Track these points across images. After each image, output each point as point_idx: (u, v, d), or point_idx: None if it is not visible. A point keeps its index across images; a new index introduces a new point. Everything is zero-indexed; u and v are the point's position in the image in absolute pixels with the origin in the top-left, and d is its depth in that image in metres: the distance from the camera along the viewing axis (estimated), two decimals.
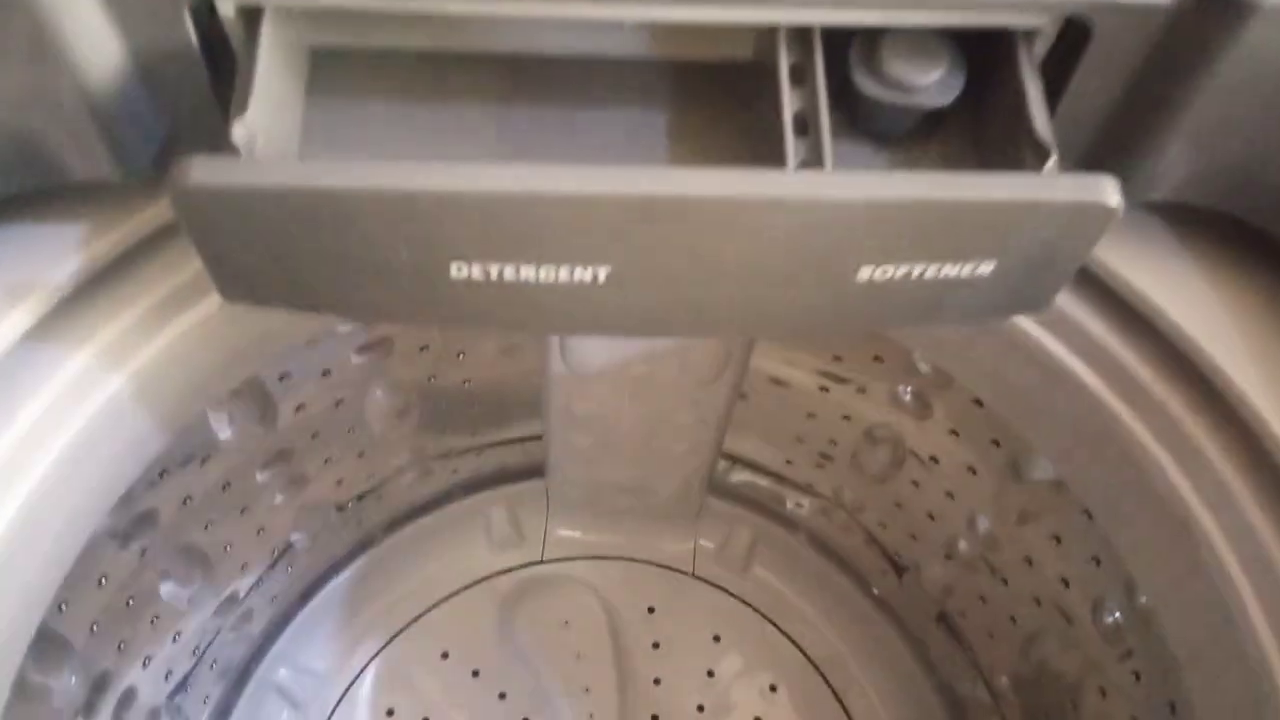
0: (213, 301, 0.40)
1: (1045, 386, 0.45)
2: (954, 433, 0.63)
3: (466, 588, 0.91)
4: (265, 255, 0.29)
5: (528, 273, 0.30)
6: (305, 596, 0.84)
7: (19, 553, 0.37)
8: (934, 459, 0.67)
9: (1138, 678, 0.56)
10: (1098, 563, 0.57)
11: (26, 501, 0.36)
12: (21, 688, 0.50)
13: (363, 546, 0.86)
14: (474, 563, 0.91)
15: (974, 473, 0.64)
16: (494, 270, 0.30)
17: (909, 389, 0.64)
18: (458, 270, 0.30)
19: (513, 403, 0.81)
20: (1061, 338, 0.42)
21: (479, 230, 0.28)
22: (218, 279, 0.30)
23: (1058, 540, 0.60)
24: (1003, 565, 0.67)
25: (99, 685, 0.58)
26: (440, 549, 0.90)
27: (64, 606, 0.52)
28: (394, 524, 0.88)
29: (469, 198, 0.27)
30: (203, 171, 0.26)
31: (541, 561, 0.93)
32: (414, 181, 0.27)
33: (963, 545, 0.70)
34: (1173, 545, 0.44)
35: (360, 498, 0.80)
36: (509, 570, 0.92)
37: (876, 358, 0.63)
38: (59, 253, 0.34)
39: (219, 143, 0.28)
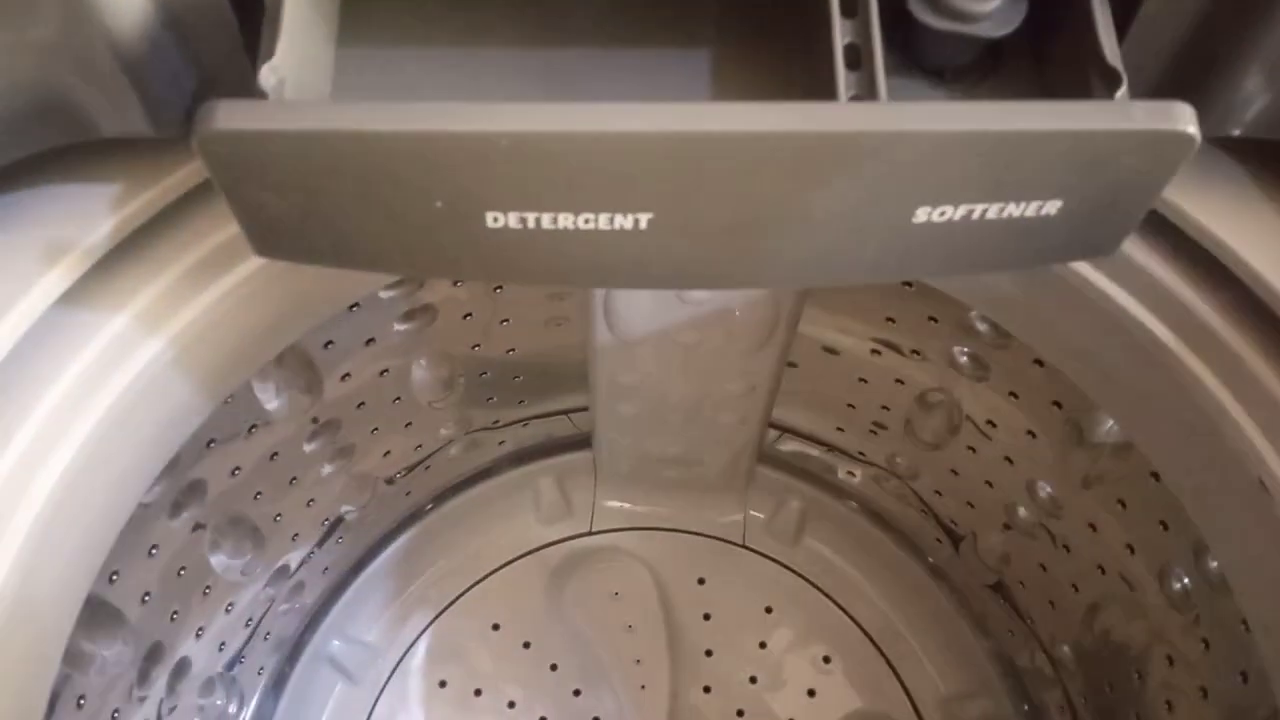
0: (252, 264, 0.40)
1: (1111, 340, 0.43)
2: (1013, 395, 0.61)
3: (516, 559, 0.90)
4: (296, 206, 0.28)
5: (566, 220, 0.29)
6: (356, 568, 0.84)
7: (64, 518, 0.37)
8: (991, 423, 0.65)
9: (1207, 646, 0.54)
10: (1165, 527, 0.54)
11: (69, 468, 0.36)
12: (75, 658, 0.51)
13: (412, 518, 0.87)
14: (523, 534, 0.91)
15: (1034, 436, 0.62)
16: (531, 218, 0.28)
17: (965, 350, 0.62)
18: (494, 220, 0.29)
19: (559, 373, 0.81)
20: (1128, 286, 0.40)
21: (515, 174, 0.27)
22: (249, 232, 0.30)
23: (1123, 505, 0.58)
24: (1064, 532, 0.65)
25: (152, 655, 0.58)
26: (489, 521, 0.90)
27: (115, 577, 0.52)
28: (443, 496, 0.88)
29: (504, 138, 0.26)
30: (227, 115, 0.25)
31: (590, 533, 0.92)
32: (447, 123, 0.26)
33: (1022, 512, 0.68)
34: (1247, 506, 0.41)
35: (409, 469, 0.80)
36: (558, 542, 0.91)
37: (931, 318, 0.61)
38: (93, 213, 0.34)
39: (249, 93, 0.27)
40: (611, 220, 0.29)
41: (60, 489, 0.36)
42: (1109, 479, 0.59)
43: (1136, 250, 0.39)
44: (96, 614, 0.52)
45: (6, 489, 0.35)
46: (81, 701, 0.51)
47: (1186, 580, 0.54)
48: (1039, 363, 0.57)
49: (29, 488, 0.35)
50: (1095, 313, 0.42)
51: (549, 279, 0.31)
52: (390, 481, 0.79)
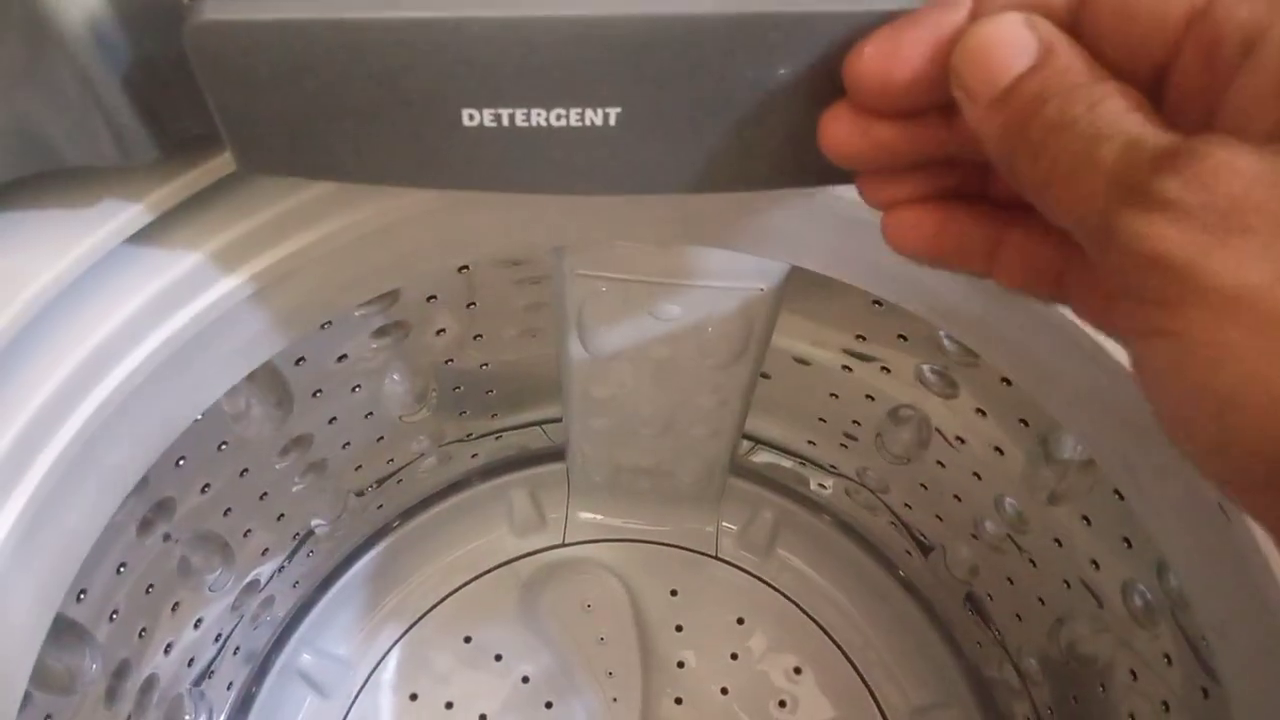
0: (231, 283, 0.40)
1: (1075, 363, 0.44)
2: (981, 412, 0.62)
3: (488, 572, 0.90)
4: (278, 109, 0.29)
5: (539, 117, 0.30)
6: (327, 582, 0.84)
7: (52, 514, 0.37)
8: (960, 439, 0.66)
9: (1169, 660, 0.54)
10: (1129, 544, 0.55)
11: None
12: (42, 677, 0.50)
13: (384, 532, 0.86)
14: (496, 547, 0.91)
15: (1001, 453, 0.63)
16: (505, 115, 0.30)
17: (934, 368, 0.63)
18: (469, 118, 0.30)
19: (533, 386, 0.81)
20: None
21: (488, 66, 0.28)
22: (234, 143, 0.31)
23: (1087, 521, 0.59)
24: (1031, 546, 0.66)
25: (120, 673, 0.58)
26: (462, 533, 0.90)
27: (82, 595, 0.52)
28: (415, 509, 0.87)
29: (478, 24, 0.28)
30: (216, 7, 0.27)
31: (564, 545, 0.92)
32: (423, 9, 0.27)
33: (990, 526, 0.69)
34: (1206, 524, 0.42)
35: (380, 483, 0.79)
36: (531, 554, 0.91)
37: (900, 335, 0.62)
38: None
39: None
40: (583, 115, 0.30)
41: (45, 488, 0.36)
42: (1074, 495, 0.60)
43: None
44: (64, 633, 0.51)
45: None
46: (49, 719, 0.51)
47: (1149, 596, 0.55)
48: (1006, 381, 0.58)
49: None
50: (1055, 332, 0.43)
51: (523, 185, 0.32)
52: (361, 495, 0.79)
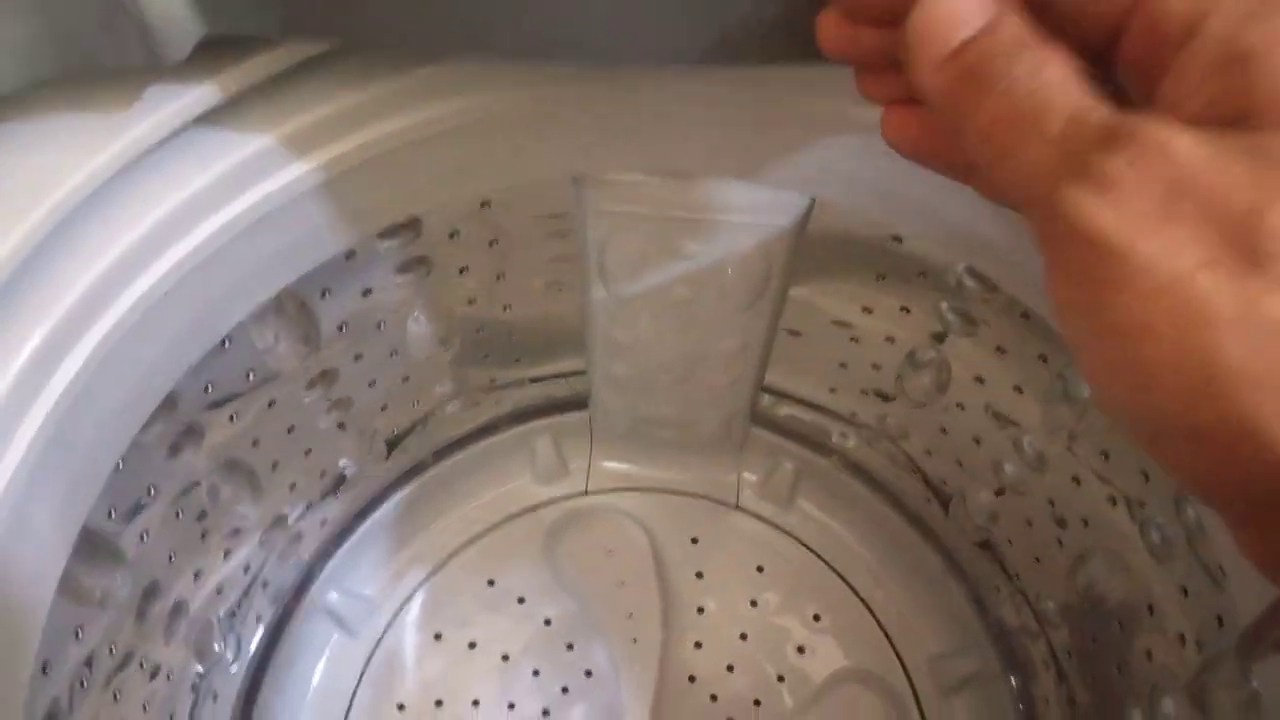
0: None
1: None
2: (1000, 350, 0.62)
3: (512, 518, 0.91)
4: None
5: None
6: (354, 523, 0.85)
7: (87, 405, 0.39)
8: (979, 379, 0.66)
9: (1185, 593, 0.55)
10: (1146, 478, 0.55)
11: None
12: (73, 589, 0.52)
13: (410, 475, 0.88)
14: (519, 494, 0.92)
15: (1020, 391, 0.63)
16: None
17: (953, 306, 0.63)
18: None
19: (556, 336, 0.81)
20: None
21: None
22: None
23: (1105, 457, 0.59)
24: (1049, 487, 0.66)
25: (149, 595, 0.60)
26: (486, 479, 0.91)
27: (113, 512, 0.53)
28: (440, 454, 0.89)
29: None
30: None
31: (586, 493, 0.93)
32: None
33: (1009, 469, 0.69)
34: None
35: (406, 425, 0.81)
36: (554, 501, 0.92)
37: (920, 273, 0.62)
38: None
39: None
40: None
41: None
42: (1092, 432, 0.60)
43: None
44: (96, 549, 0.53)
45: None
46: (80, 632, 0.52)
47: (1166, 530, 0.55)
48: (1025, 315, 0.58)
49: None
50: None
51: (527, 46, 0.32)
52: (388, 437, 0.80)
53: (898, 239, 0.60)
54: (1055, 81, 0.23)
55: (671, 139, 0.49)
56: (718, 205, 0.57)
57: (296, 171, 0.43)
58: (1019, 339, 0.60)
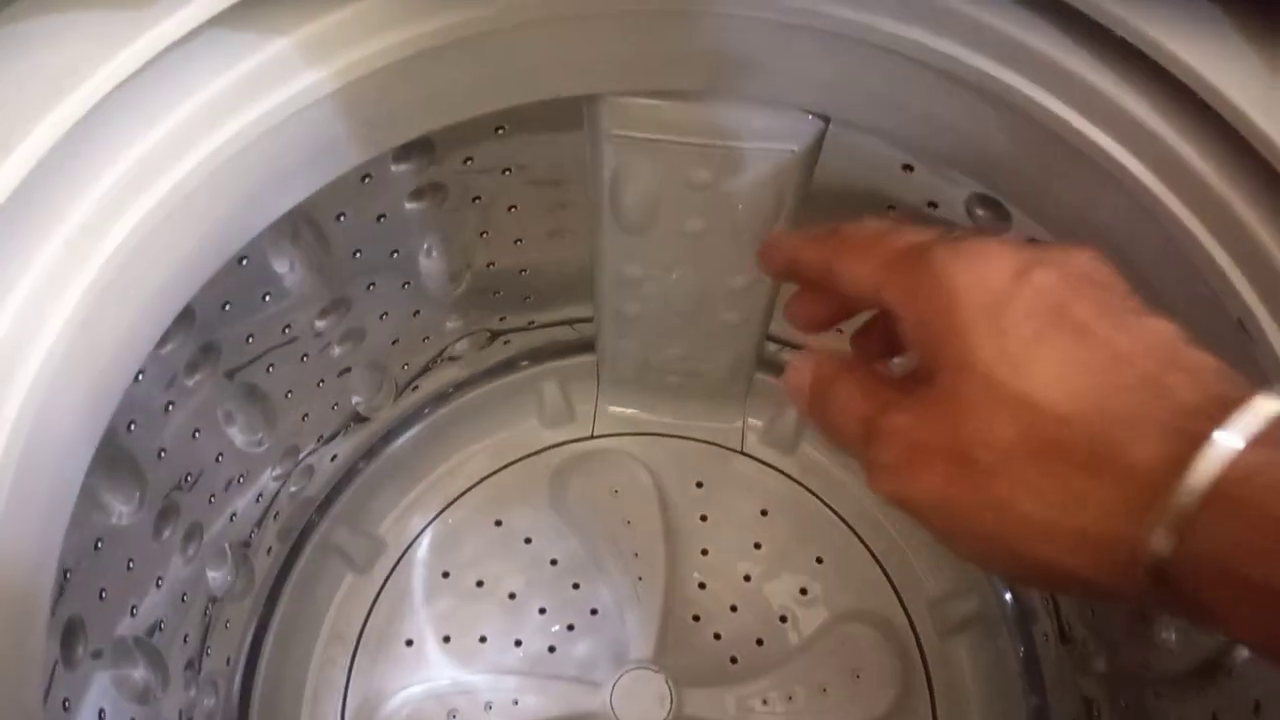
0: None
1: (1107, 205, 0.45)
2: None
3: (519, 460, 0.92)
4: None
5: None
6: (364, 460, 0.86)
7: (113, 300, 0.40)
8: None
9: None
10: None
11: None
12: (93, 503, 0.53)
13: (418, 415, 0.88)
14: (527, 437, 0.93)
15: None
16: None
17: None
18: None
19: (564, 280, 0.82)
20: (1114, 133, 0.42)
21: None
22: None
23: None
24: None
25: (166, 515, 0.60)
26: (494, 422, 0.92)
27: (132, 426, 0.54)
28: (448, 395, 0.89)
29: None
30: None
31: (592, 437, 0.94)
32: None
33: None
34: (1225, 349, 0.43)
35: (416, 363, 0.81)
36: (560, 445, 0.93)
37: (930, 203, 0.62)
38: None
39: None
40: None
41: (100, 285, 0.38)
42: None
43: (1125, 96, 0.40)
44: (115, 463, 0.53)
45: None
46: (99, 544, 0.53)
47: None
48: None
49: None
50: (1083, 165, 0.43)
51: None
52: (398, 374, 0.81)
53: (908, 168, 0.61)
54: (846, 400, 0.35)
55: (687, 54, 0.50)
56: (731, 130, 0.58)
57: (314, 77, 0.43)
58: None
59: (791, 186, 0.63)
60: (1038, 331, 0.30)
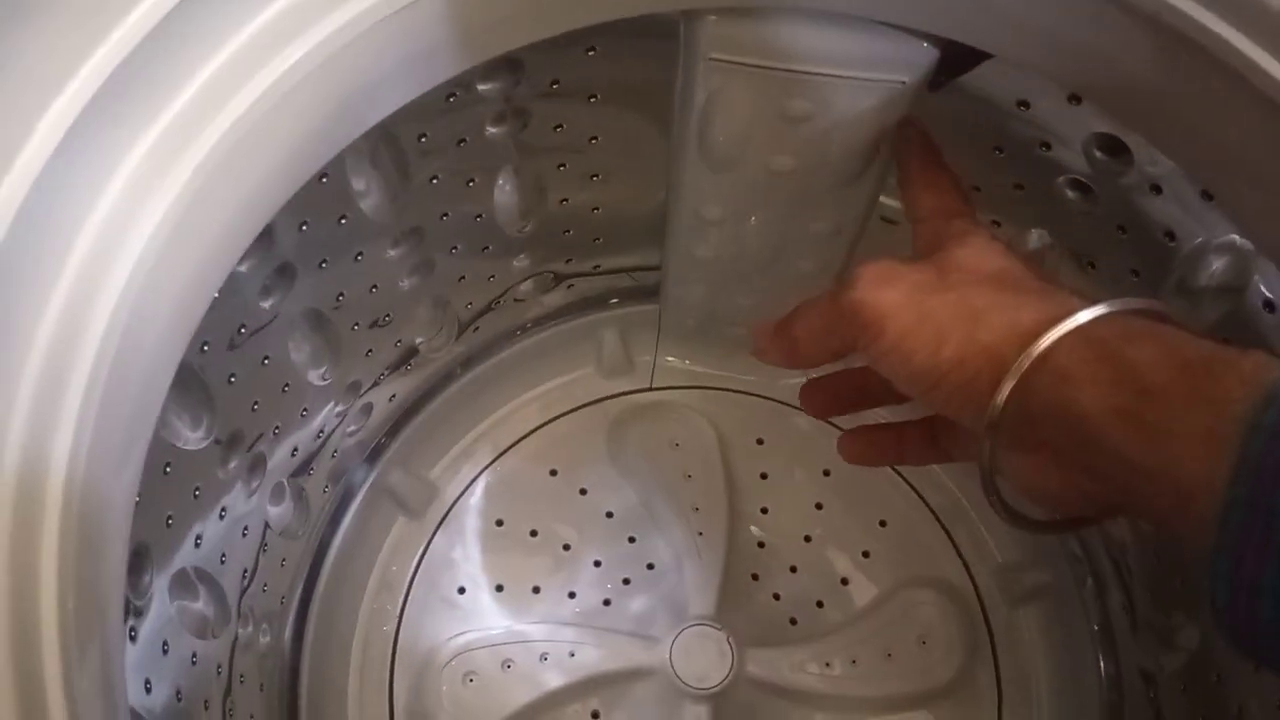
0: None
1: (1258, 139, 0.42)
2: (1121, 229, 0.59)
3: (576, 409, 0.90)
4: None
5: None
6: (421, 402, 0.84)
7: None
8: (1091, 264, 0.63)
9: None
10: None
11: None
12: (165, 425, 0.51)
13: (477, 358, 0.86)
14: (584, 385, 0.90)
15: (1137, 275, 0.60)
16: None
17: (1074, 177, 0.60)
18: None
19: (636, 223, 0.79)
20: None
21: None
22: None
23: (1225, 345, 0.56)
24: None
25: (233, 443, 0.58)
26: (551, 368, 0.90)
27: (205, 348, 0.52)
28: (507, 339, 0.87)
29: None
30: None
31: (650, 389, 0.91)
32: None
33: None
34: None
35: (480, 303, 0.79)
36: (618, 395, 0.91)
37: (1044, 144, 0.59)
38: None
39: None
40: None
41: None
42: (1205, 322, 0.57)
43: None
44: (186, 383, 0.51)
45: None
46: (168, 468, 0.51)
47: None
48: (1156, 189, 0.55)
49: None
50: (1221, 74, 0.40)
51: None
52: (461, 313, 0.78)
53: (1024, 104, 0.57)
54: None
55: None
56: (839, 57, 0.55)
57: None
58: (1144, 216, 0.58)
59: (891, 128, 0.60)
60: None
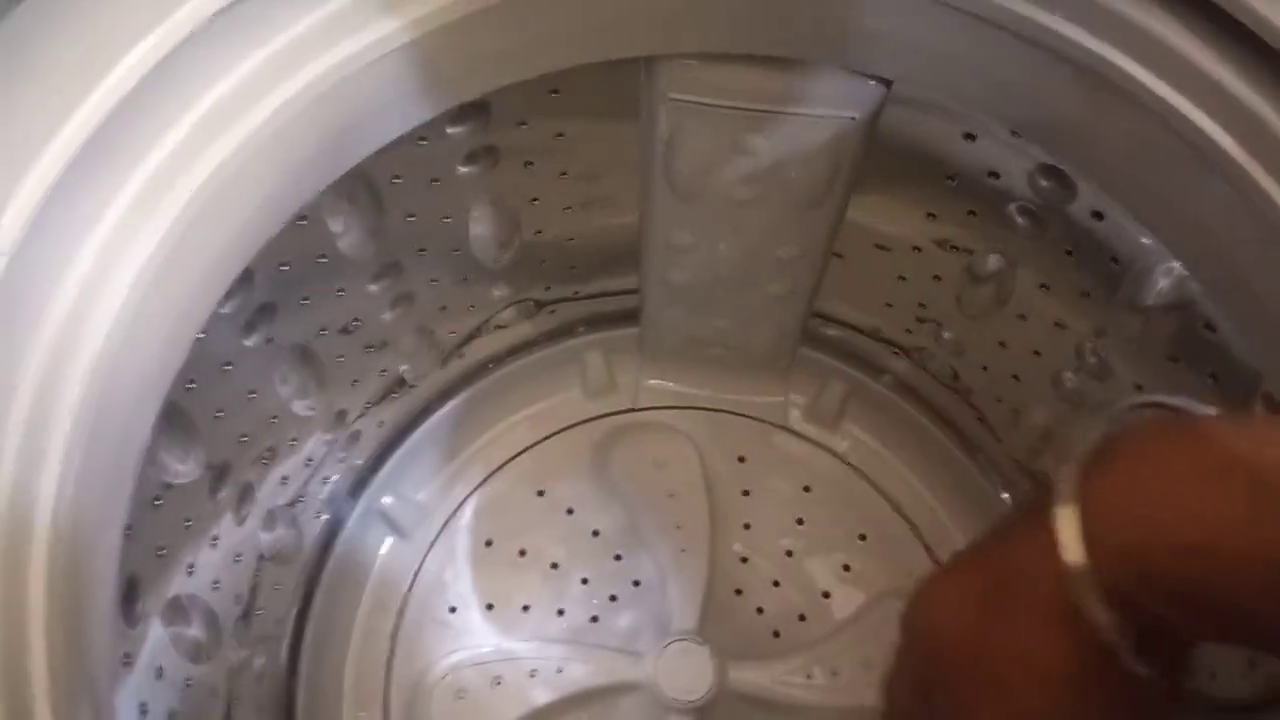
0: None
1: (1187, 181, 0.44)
2: (1069, 253, 0.62)
3: (562, 430, 0.92)
4: None
5: None
6: (409, 427, 0.86)
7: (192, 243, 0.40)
8: (1045, 286, 0.66)
9: None
10: (1214, 379, 0.55)
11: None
12: (153, 459, 0.53)
13: (462, 384, 0.88)
14: (569, 407, 0.93)
15: (1088, 296, 0.63)
16: None
17: (1023, 205, 0.62)
18: None
19: (612, 250, 0.81)
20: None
21: None
22: None
23: (1174, 360, 0.58)
24: (1109, 399, 0.66)
25: (221, 475, 0.61)
26: (537, 391, 0.92)
27: (191, 385, 0.54)
28: (492, 364, 0.89)
29: None
30: None
31: (634, 409, 0.94)
32: None
33: (1069, 381, 0.69)
34: None
35: (462, 330, 0.81)
36: (602, 416, 0.93)
37: (991, 173, 0.61)
38: None
39: None
40: None
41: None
42: (1157, 340, 0.59)
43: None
44: (173, 420, 0.54)
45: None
46: (158, 501, 0.54)
47: None
48: (1098, 215, 0.58)
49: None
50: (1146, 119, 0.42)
51: None
52: (444, 341, 0.81)
53: (970, 136, 0.60)
54: None
55: (750, 14, 0.49)
56: (791, 95, 0.57)
57: (387, 28, 0.43)
58: (1089, 242, 0.60)
59: (849, 156, 0.62)
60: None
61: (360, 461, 0.82)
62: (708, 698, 0.76)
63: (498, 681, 0.79)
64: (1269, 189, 0.40)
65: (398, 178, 0.60)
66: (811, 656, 0.81)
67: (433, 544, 0.87)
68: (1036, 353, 0.71)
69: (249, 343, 0.58)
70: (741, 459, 0.92)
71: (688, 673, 0.77)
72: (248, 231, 0.47)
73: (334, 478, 0.79)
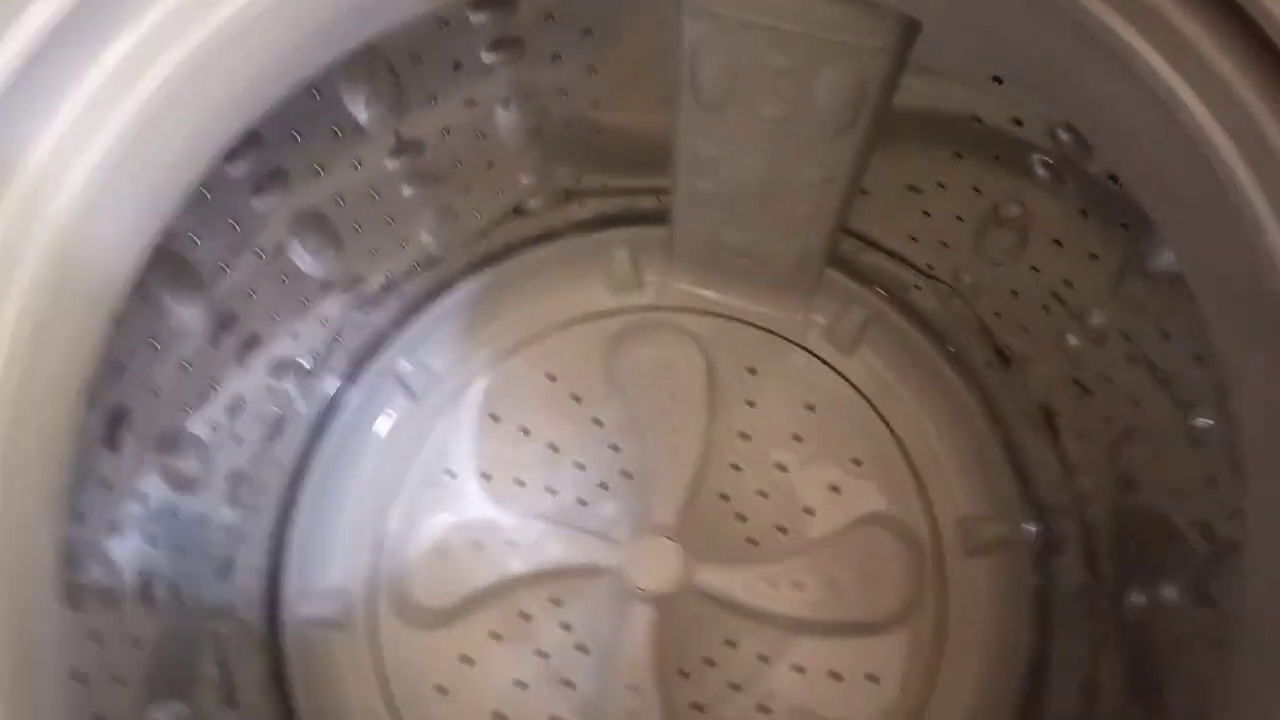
0: None
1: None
2: (1084, 213, 0.60)
3: (580, 320, 0.94)
4: None
5: None
6: (429, 299, 0.88)
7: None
8: (1058, 242, 0.64)
9: (1214, 482, 0.54)
10: (1199, 361, 0.54)
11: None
12: (154, 308, 0.56)
13: (487, 263, 0.90)
14: (591, 298, 0.94)
15: (1096, 259, 0.61)
16: None
17: (1045, 158, 0.60)
18: None
19: (644, 147, 0.81)
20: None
21: None
22: None
23: (1166, 336, 0.57)
24: (1106, 362, 0.65)
25: (226, 324, 0.64)
26: (561, 280, 0.93)
27: (197, 240, 0.57)
28: (519, 247, 0.91)
29: None
30: None
31: (655, 308, 0.95)
32: None
33: (1072, 340, 0.68)
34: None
35: (489, 213, 0.82)
36: (622, 311, 0.94)
37: (1015, 120, 0.59)
38: None
39: None
40: None
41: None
42: (1158, 310, 0.58)
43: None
44: (175, 269, 0.56)
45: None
46: (155, 342, 0.57)
47: (1205, 419, 0.55)
48: (1113, 178, 0.56)
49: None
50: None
51: None
52: (470, 221, 0.82)
53: (997, 79, 0.58)
54: None
55: None
56: (815, 17, 0.56)
57: None
58: (1103, 204, 0.58)
59: (875, 85, 0.61)
60: None
61: (378, 326, 0.85)
62: (670, 590, 0.79)
63: (479, 546, 0.84)
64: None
65: (418, 59, 0.61)
66: (782, 568, 0.83)
67: (441, 410, 0.90)
68: (1045, 308, 0.70)
69: (259, 204, 0.60)
70: (752, 370, 0.93)
71: (655, 564, 0.80)
72: (250, 92, 0.48)
73: (349, 340, 0.81)
